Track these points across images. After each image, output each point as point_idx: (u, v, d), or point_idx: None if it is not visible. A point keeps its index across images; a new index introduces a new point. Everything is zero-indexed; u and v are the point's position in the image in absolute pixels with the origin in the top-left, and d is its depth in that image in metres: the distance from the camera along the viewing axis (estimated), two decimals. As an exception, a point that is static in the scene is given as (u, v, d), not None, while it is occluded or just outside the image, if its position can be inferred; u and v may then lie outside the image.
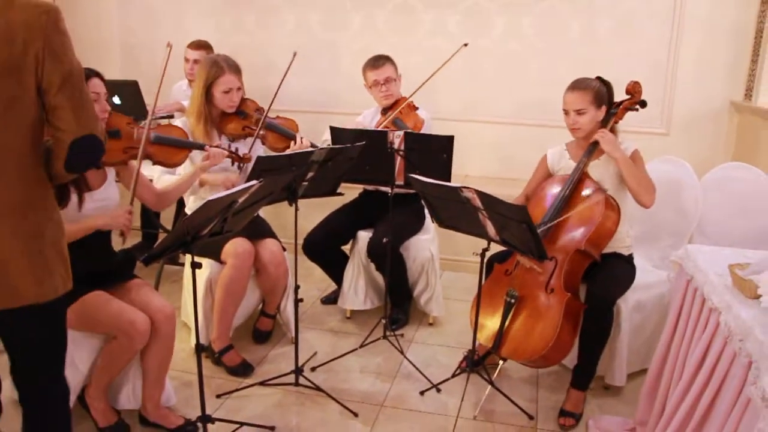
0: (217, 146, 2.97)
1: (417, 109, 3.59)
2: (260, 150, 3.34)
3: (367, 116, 3.82)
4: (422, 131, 3.53)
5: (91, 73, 2.50)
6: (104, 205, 2.56)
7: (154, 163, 2.86)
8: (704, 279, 2.22)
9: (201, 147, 2.95)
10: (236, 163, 3.05)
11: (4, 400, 2.83)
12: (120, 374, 2.69)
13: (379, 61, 3.59)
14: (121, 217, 2.50)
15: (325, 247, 3.69)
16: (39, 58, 1.64)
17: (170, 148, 2.84)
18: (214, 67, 3.13)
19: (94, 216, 2.50)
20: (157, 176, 3.31)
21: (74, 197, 2.47)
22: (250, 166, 3.15)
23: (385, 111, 3.64)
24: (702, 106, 4.01)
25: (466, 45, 3.46)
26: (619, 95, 2.98)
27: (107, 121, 2.60)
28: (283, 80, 3.14)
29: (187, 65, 4.23)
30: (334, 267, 3.77)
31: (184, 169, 3.12)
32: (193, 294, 2.42)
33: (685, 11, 3.90)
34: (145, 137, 2.64)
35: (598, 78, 2.93)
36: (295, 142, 3.27)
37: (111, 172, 2.68)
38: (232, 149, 3.01)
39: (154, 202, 2.84)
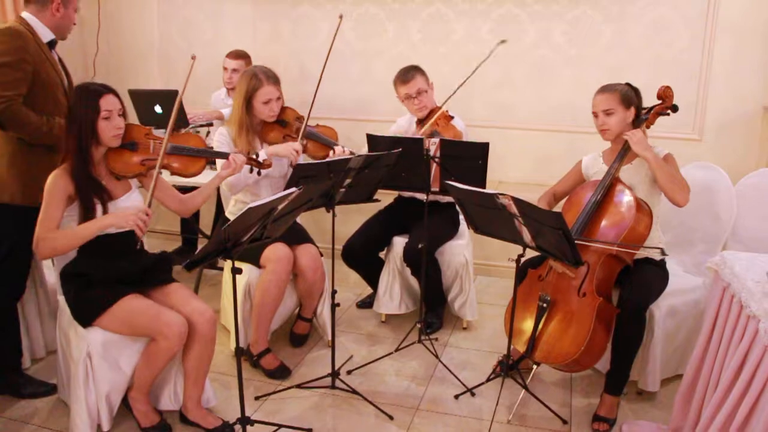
0: (238, 152, 2.98)
1: (452, 119, 3.57)
2: (300, 158, 3.40)
3: (401, 125, 3.85)
4: None
5: (105, 90, 2.55)
6: None
7: (172, 174, 2.85)
8: (742, 286, 2.20)
9: (221, 156, 2.93)
10: (255, 169, 3.03)
11: (50, 399, 2.94)
12: (162, 375, 2.75)
13: (408, 74, 3.56)
14: (131, 216, 2.49)
15: (364, 255, 3.74)
16: None
17: (186, 158, 2.82)
18: (253, 80, 3.20)
19: (103, 216, 2.55)
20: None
21: (99, 207, 2.56)
22: (274, 171, 3.22)
23: (420, 122, 3.65)
24: (735, 112, 3.97)
25: (504, 41, 3.40)
26: (651, 101, 2.98)
27: (125, 134, 2.63)
28: (318, 85, 3.23)
29: (226, 74, 4.31)
30: (371, 273, 3.81)
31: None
32: (233, 299, 2.47)
33: (718, 16, 3.87)
34: (164, 150, 2.64)
35: (627, 84, 2.95)
36: (335, 152, 3.32)
37: (134, 180, 2.76)
38: (252, 155, 3.02)
39: (177, 209, 2.90)
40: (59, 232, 2.50)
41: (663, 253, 2.76)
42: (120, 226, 2.53)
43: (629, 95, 2.90)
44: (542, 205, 3.18)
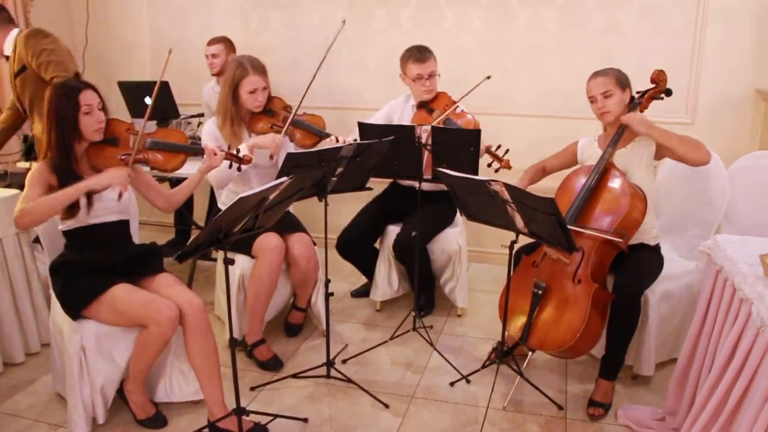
0: (218, 147, 2.93)
1: (465, 115, 3.52)
2: (290, 147, 3.39)
3: (395, 107, 3.75)
4: None
5: (83, 86, 2.59)
6: (113, 205, 2.67)
7: (152, 168, 2.86)
8: (734, 269, 2.22)
9: (200, 152, 2.90)
10: (235, 165, 2.98)
11: (45, 393, 2.95)
12: (156, 367, 2.76)
13: (424, 54, 3.49)
14: (111, 171, 2.54)
15: (359, 246, 3.73)
16: None
17: (165, 153, 2.82)
18: (239, 69, 3.20)
19: (88, 181, 2.55)
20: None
21: (83, 199, 2.57)
22: (262, 161, 3.21)
23: (421, 105, 3.59)
24: (727, 95, 3.98)
25: (488, 78, 3.37)
26: (644, 85, 2.97)
27: (107, 128, 2.66)
28: (310, 84, 3.23)
29: (207, 61, 4.35)
30: (367, 263, 3.81)
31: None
32: (226, 289, 2.45)
33: (710, -1, 3.89)
34: (140, 142, 2.68)
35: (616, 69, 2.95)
36: (338, 140, 3.29)
37: None
38: (232, 151, 2.96)
39: (161, 204, 2.91)
40: (39, 199, 2.48)
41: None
42: (102, 185, 2.54)
43: (623, 77, 2.91)
44: (528, 175, 3.20)
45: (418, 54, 3.49)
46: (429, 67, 3.50)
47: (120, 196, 2.61)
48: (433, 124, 3.33)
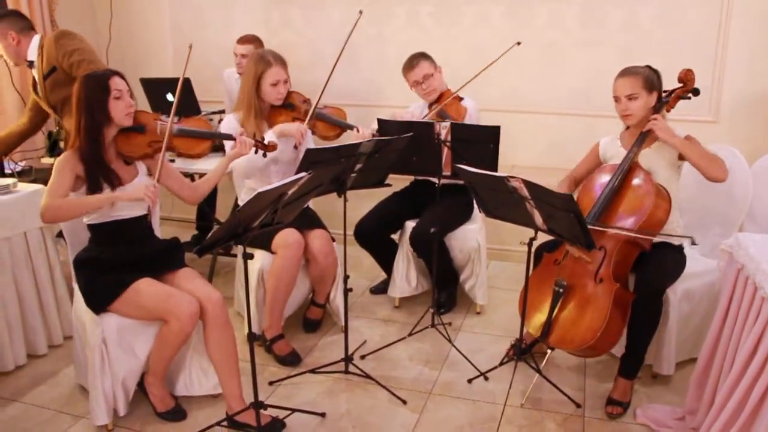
0: (241, 134, 2.99)
1: (462, 99, 3.61)
2: (310, 140, 3.41)
3: (416, 109, 3.84)
4: (467, 120, 3.55)
5: (111, 73, 2.63)
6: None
7: (178, 155, 2.93)
8: (756, 268, 2.19)
9: (226, 137, 3.00)
10: (260, 151, 3.05)
11: (68, 385, 2.99)
12: (176, 361, 2.79)
13: (413, 61, 3.63)
14: (141, 188, 2.57)
15: (376, 234, 3.75)
16: None
17: (191, 140, 2.89)
18: (261, 62, 3.25)
19: (116, 193, 2.60)
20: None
21: (107, 191, 2.60)
22: (283, 156, 3.25)
23: (431, 105, 3.68)
24: (751, 93, 3.91)
25: (519, 44, 3.46)
26: (668, 84, 2.93)
27: (134, 117, 2.70)
28: (331, 74, 3.26)
29: (236, 60, 4.35)
30: (384, 254, 3.82)
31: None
32: (245, 284, 2.49)
33: (733, -4, 3.82)
34: (169, 131, 2.73)
35: (648, 66, 2.89)
36: (359, 132, 3.39)
37: (142, 167, 2.79)
38: (258, 138, 3.04)
39: (187, 195, 2.93)
40: (67, 199, 2.55)
41: (693, 242, 2.66)
42: (131, 198, 2.58)
43: (652, 79, 2.84)
44: (563, 190, 3.15)
45: (408, 63, 3.67)
46: (420, 72, 3.61)
47: (149, 212, 2.65)
48: (427, 119, 3.45)
